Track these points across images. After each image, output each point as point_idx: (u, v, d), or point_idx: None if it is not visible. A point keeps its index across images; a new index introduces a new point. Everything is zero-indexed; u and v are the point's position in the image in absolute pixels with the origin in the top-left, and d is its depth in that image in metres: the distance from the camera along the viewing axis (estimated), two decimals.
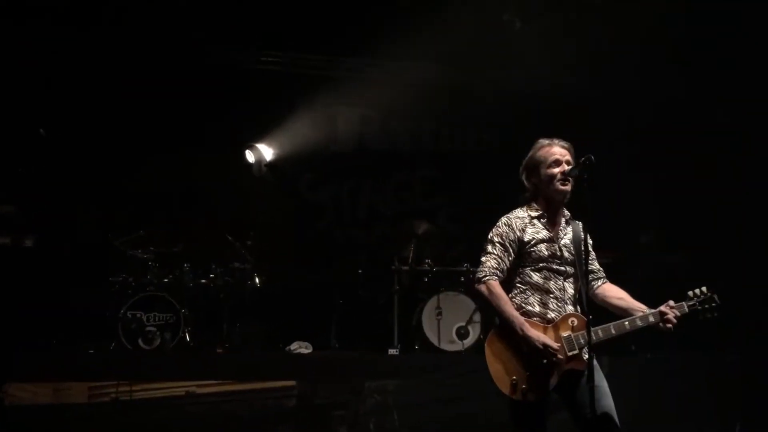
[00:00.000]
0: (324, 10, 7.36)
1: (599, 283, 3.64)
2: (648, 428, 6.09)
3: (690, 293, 3.48)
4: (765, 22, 6.66)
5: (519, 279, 3.54)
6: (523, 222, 3.57)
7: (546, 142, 3.62)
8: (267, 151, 8.55)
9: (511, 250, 3.52)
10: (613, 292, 3.62)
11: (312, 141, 8.56)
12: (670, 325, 3.40)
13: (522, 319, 3.39)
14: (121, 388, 5.77)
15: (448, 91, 8.33)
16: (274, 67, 8.20)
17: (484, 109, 8.28)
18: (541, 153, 3.59)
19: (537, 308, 3.47)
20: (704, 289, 3.48)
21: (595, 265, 3.66)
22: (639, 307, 3.49)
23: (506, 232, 3.55)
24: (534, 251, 3.51)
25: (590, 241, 3.57)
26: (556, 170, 3.54)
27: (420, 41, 7.38)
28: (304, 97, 8.23)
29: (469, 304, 7.04)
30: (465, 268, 7.22)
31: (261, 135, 8.56)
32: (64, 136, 7.55)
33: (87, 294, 6.90)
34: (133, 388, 5.80)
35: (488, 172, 8.24)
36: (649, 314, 3.42)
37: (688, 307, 3.45)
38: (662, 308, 3.44)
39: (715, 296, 3.46)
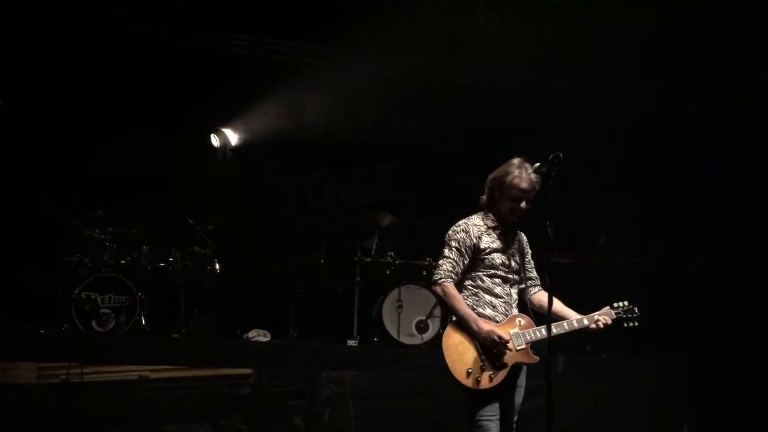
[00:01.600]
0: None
1: (535, 290, 3.99)
2: (598, 428, 6.21)
3: (615, 304, 3.89)
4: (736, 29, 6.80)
5: (471, 282, 3.83)
6: (479, 230, 3.83)
7: (517, 170, 3.76)
8: (232, 136, 8.45)
9: (466, 255, 3.81)
10: (548, 299, 3.86)
11: (279, 128, 8.48)
12: (595, 327, 3.83)
13: (475, 315, 3.73)
14: (72, 370, 5.66)
15: (418, 84, 8.32)
16: (243, 51, 8.07)
17: (453, 104, 8.29)
18: (509, 180, 3.76)
19: (487, 310, 3.78)
20: (626, 302, 3.91)
21: (533, 273, 3.99)
22: (571, 313, 3.86)
23: (463, 239, 3.82)
24: (488, 258, 3.80)
25: (529, 251, 3.98)
26: (514, 205, 3.79)
27: (391, 33, 7.36)
28: (272, 83, 8.14)
29: (430, 298, 7.04)
30: (427, 262, 7.24)
31: (227, 119, 8.45)
32: (26, 109, 7.34)
33: (40, 272, 6.75)
34: (85, 370, 5.70)
35: (453, 167, 8.28)
36: (583, 318, 3.82)
37: (615, 314, 3.86)
38: (595, 314, 3.84)
39: (635, 309, 3.88)
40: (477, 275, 3.81)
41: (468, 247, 3.79)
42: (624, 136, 8.17)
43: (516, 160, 3.79)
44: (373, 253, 7.42)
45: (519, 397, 3.82)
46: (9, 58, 7.18)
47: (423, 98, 8.39)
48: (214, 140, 8.38)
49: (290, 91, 8.38)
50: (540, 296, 3.95)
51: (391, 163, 8.85)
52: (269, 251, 8.07)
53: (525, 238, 3.97)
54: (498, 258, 3.81)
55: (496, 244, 3.82)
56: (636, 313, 3.87)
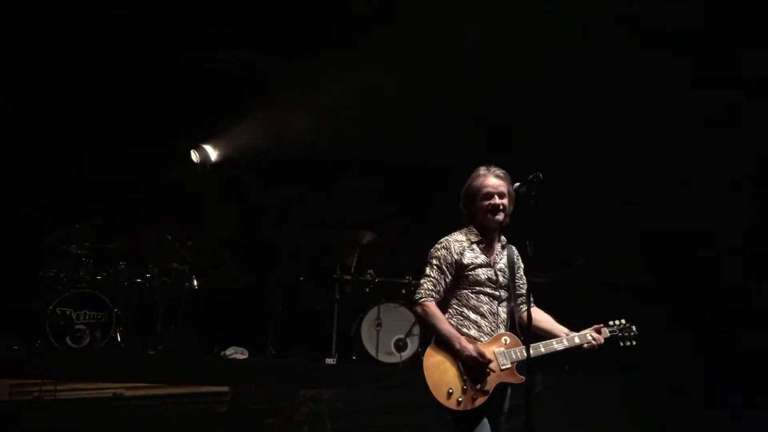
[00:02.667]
0: (280, 12, 7.29)
1: (525, 308, 3.76)
2: None
3: (611, 322, 3.75)
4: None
5: (455, 300, 3.70)
6: (461, 246, 3.73)
7: (482, 171, 3.76)
8: (212, 152, 8.42)
9: (447, 273, 3.70)
10: (540, 315, 3.83)
11: (260, 144, 8.47)
12: (588, 346, 3.68)
13: (458, 334, 3.60)
14: (45, 387, 5.58)
15: (400, 102, 8.35)
16: (225, 67, 8.07)
17: (436, 122, 8.33)
18: (476, 183, 3.74)
19: (472, 331, 3.64)
20: (623, 320, 3.76)
21: (523, 290, 3.81)
22: (563, 330, 3.73)
23: (444, 256, 3.72)
24: (471, 275, 3.68)
25: (521, 265, 3.82)
26: (487, 203, 3.71)
27: (375, 50, 7.40)
28: (255, 99, 8.14)
29: (409, 316, 7.03)
30: (407, 281, 7.24)
31: (209, 135, 8.43)
32: (3, 123, 7.27)
33: (15, 287, 6.64)
34: (58, 387, 5.62)
35: (435, 185, 8.29)
36: (574, 336, 3.68)
37: (609, 333, 3.72)
38: (587, 331, 3.69)
39: (634, 327, 3.74)
40: (462, 293, 3.67)
41: (449, 264, 3.67)
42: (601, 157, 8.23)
43: (480, 167, 3.76)
44: (352, 270, 7.41)
45: (501, 421, 3.68)
46: None
47: (406, 115, 8.43)
48: (194, 156, 8.34)
49: (272, 107, 8.38)
50: (532, 313, 3.72)
51: (373, 179, 8.86)
52: (248, 268, 8.02)
53: (516, 252, 3.81)
54: (483, 273, 3.67)
55: (481, 259, 3.69)
56: (634, 331, 3.72)
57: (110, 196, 7.57)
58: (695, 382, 6.77)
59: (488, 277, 3.69)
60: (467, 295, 3.68)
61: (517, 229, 3.74)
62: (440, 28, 7.12)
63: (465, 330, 3.63)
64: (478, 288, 3.67)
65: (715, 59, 7.02)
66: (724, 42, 6.92)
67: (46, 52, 7.32)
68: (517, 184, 3.64)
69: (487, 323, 3.65)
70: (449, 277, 3.69)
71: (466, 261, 3.68)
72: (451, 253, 3.70)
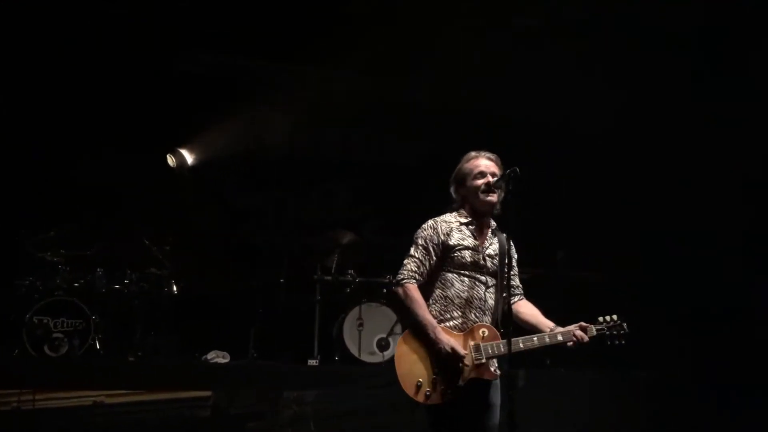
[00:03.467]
0: (257, 13, 7.26)
1: (515, 299, 3.70)
2: None
3: (600, 318, 3.58)
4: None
5: (440, 284, 3.56)
6: (449, 226, 3.60)
7: (473, 154, 3.69)
8: (189, 156, 8.36)
9: (433, 254, 3.55)
10: (527, 309, 3.71)
11: (238, 147, 8.43)
12: (571, 344, 3.51)
13: (435, 322, 3.43)
14: (23, 397, 5.49)
15: (378, 102, 8.36)
16: (201, 69, 8.02)
17: (414, 121, 8.34)
18: (468, 165, 3.66)
19: (456, 316, 3.51)
20: (614, 316, 3.58)
21: (515, 281, 3.72)
22: (549, 324, 3.58)
23: (430, 236, 3.57)
24: (457, 256, 3.53)
25: (515, 255, 3.68)
26: (480, 182, 3.60)
27: (352, 50, 7.40)
28: (233, 101, 8.09)
29: (391, 315, 7.05)
30: (387, 280, 7.24)
31: (186, 138, 8.37)
32: None
33: None
34: (37, 396, 5.53)
35: (414, 185, 8.30)
36: (558, 332, 3.51)
37: (597, 330, 3.55)
38: (572, 328, 3.53)
39: (624, 324, 3.56)
40: (447, 277, 3.52)
41: (436, 244, 3.52)
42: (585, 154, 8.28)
43: (471, 151, 3.69)
44: (333, 271, 7.39)
45: (494, 417, 3.50)
46: None
47: (383, 115, 8.43)
48: (170, 160, 8.27)
49: (250, 109, 8.34)
50: (520, 306, 3.67)
51: (352, 180, 8.86)
52: (228, 271, 7.97)
53: (509, 242, 3.60)
54: (469, 256, 3.52)
55: (468, 242, 3.55)
56: (624, 329, 3.54)
57: (85, 201, 7.47)
58: (683, 378, 6.84)
59: (475, 260, 3.54)
60: (452, 279, 3.52)
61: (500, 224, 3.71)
62: (415, 27, 7.14)
63: (448, 315, 3.49)
64: (463, 271, 3.52)
65: (715, 58, 7.09)
66: (723, 42, 7.00)
67: (19, 57, 7.22)
68: (495, 179, 3.58)
69: (473, 309, 3.51)
70: (434, 258, 3.53)
71: (452, 242, 3.54)
72: (437, 233, 3.56)
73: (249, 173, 8.53)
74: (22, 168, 7.41)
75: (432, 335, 3.39)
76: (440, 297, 3.55)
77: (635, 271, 7.69)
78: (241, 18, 7.30)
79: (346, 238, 7.57)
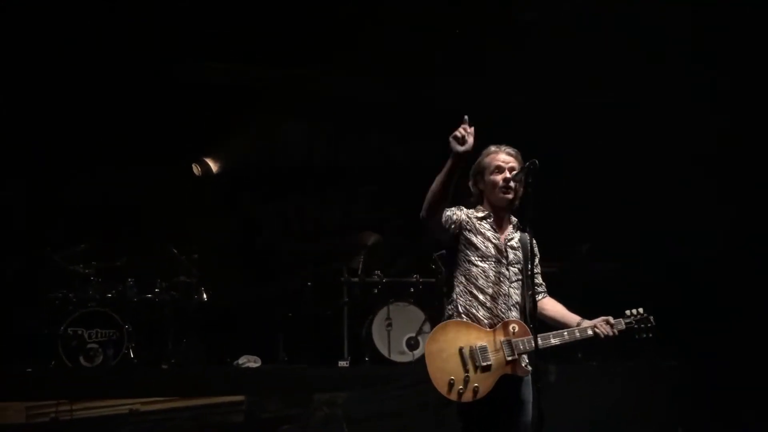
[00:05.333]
0: (272, 22, 7.31)
1: (540, 297, 3.66)
2: None
3: (627, 312, 3.58)
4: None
5: (464, 279, 3.51)
6: (471, 213, 3.57)
7: (493, 148, 3.65)
8: (213, 165, 8.46)
9: (461, 214, 3.52)
10: (552, 305, 3.70)
11: (258, 154, 8.50)
12: (603, 337, 3.51)
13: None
14: (60, 407, 5.59)
15: (394, 102, 8.37)
16: (222, 80, 8.10)
17: (430, 122, 8.33)
18: (487, 159, 3.62)
19: (481, 311, 3.46)
20: (641, 309, 3.59)
21: (538, 279, 3.69)
22: (576, 319, 3.57)
23: (455, 210, 3.55)
24: (480, 243, 3.50)
25: (537, 253, 3.64)
26: (499, 177, 3.57)
27: (365, 54, 7.43)
28: (251, 110, 8.16)
29: (419, 315, 7.06)
30: (414, 279, 7.26)
31: (208, 148, 8.46)
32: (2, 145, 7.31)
33: (25, 310, 6.67)
34: (74, 406, 5.62)
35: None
36: (587, 327, 3.51)
37: (625, 324, 3.56)
38: (600, 322, 3.52)
39: (651, 318, 3.57)
40: (471, 272, 3.48)
41: (461, 216, 3.49)
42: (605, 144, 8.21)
43: (491, 146, 3.63)
44: (359, 272, 7.42)
45: (527, 414, 3.46)
46: None
47: (400, 116, 8.44)
48: (195, 169, 8.37)
49: (269, 117, 8.41)
50: (544, 303, 3.65)
51: (372, 183, 8.88)
52: (256, 276, 8.04)
53: (532, 239, 3.56)
54: (493, 248, 3.49)
55: (490, 234, 3.53)
56: (651, 322, 3.54)
57: (113, 213, 7.59)
58: (709, 365, 6.77)
59: (498, 251, 3.51)
60: (476, 274, 3.48)
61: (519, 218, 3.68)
62: (431, 33, 7.15)
63: (474, 311, 3.45)
64: (487, 264, 3.48)
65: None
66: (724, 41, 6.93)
67: (45, 69, 7.34)
68: (514, 172, 3.54)
69: (497, 304, 3.46)
70: (461, 218, 3.49)
71: (476, 226, 3.52)
72: (462, 212, 3.55)
73: (270, 179, 8.59)
74: (50, 182, 7.54)
75: (453, 159, 3.30)
76: (465, 292, 3.50)
77: (659, 262, 7.61)
78: (256, 26, 7.34)
79: (372, 239, 7.60)
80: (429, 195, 3.39)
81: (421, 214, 3.44)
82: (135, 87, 7.68)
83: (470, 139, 3.31)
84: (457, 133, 3.30)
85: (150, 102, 7.76)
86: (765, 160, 7.06)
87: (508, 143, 3.72)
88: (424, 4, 6.99)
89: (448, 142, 3.33)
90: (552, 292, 3.80)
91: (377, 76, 8.04)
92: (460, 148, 3.30)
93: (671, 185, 7.63)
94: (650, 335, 3.56)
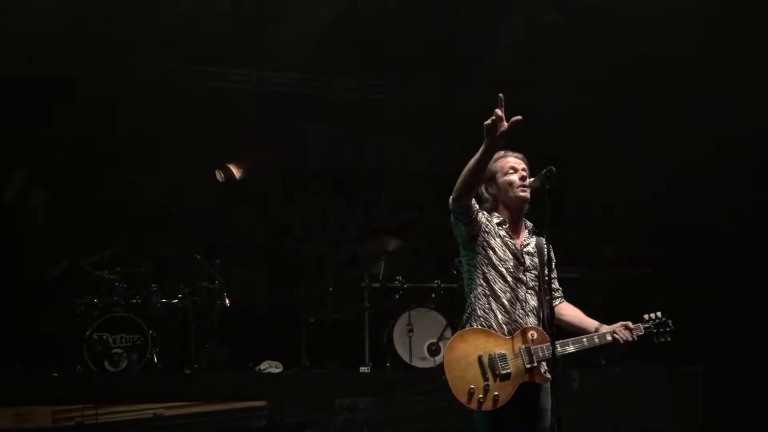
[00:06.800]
0: (292, 28, 7.34)
1: (557, 302, 3.63)
2: None
3: (645, 316, 3.55)
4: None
5: (483, 283, 3.48)
6: (489, 217, 3.55)
7: (501, 153, 3.60)
8: (236, 170, 8.53)
9: (481, 215, 3.49)
10: (569, 311, 3.65)
11: (282, 159, 8.56)
12: (622, 343, 3.47)
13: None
14: (86, 412, 5.67)
15: (416, 107, 8.37)
16: (244, 85, 8.16)
17: (451, 126, 8.33)
18: (497, 164, 3.59)
19: (500, 316, 3.44)
20: (659, 313, 3.55)
21: (555, 284, 3.66)
22: (594, 324, 3.53)
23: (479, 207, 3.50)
24: (498, 246, 3.48)
25: (553, 258, 3.61)
26: (515, 176, 3.55)
27: (388, 59, 7.45)
28: (274, 115, 8.21)
29: (440, 320, 7.05)
30: (436, 285, 7.25)
31: (231, 154, 8.53)
32: (23, 154, 7.43)
33: (51, 316, 6.77)
34: (99, 411, 5.70)
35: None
36: (606, 332, 3.47)
37: (644, 329, 3.52)
38: (619, 327, 3.49)
39: (670, 321, 3.53)
40: (488, 276, 3.46)
41: (482, 220, 3.46)
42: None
43: (497, 152, 3.55)
44: (380, 278, 7.43)
45: (545, 421, 3.44)
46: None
47: (422, 120, 8.45)
48: (218, 175, 8.45)
49: (292, 122, 8.46)
50: (562, 309, 3.61)
51: (394, 187, 8.89)
52: (277, 282, 8.09)
53: (547, 245, 3.51)
54: (510, 253, 3.48)
55: (507, 239, 3.51)
56: (670, 326, 3.51)
57: (137, 220, 7.68)
58: (733, 370, 6.68)
59: (516, 257, 3.49)
60: (494, 278, 3.45)
61: (536, 226, 3.64)
62: (454, 32, 7.14)
63: (491, 315, 3.43)
64: (505, 269, 3.46)
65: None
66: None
67: (70, 78, 7.43)
68: (530, 179, 3.51)
69: (516, 310, 3.44)
70: (482, 220, 3.47)
71: (494, 229, 3.50)
72: (483, 214, 3.52)
73: (293, 184, 8.64)
74: (76, 190, 7.65)
75: (487, 143, 3.23)
76: (482, 295, 3.47)
77: (684, 266, 7.53)
78: (282, 33, 7.38)
79: (392, 244, 7.61)
80: (460, 179, 3.36)
81: (450, 199, 3.43)
82: (160, 92, 7.76)
83: (504, 124, 3.25)
84: (494, 117, 3.22)
85: (175, 107, 7.83)
86: None
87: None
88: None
89: (483, 129, 3.25)
90: (574, 298, 3.75)
91: (402, 78, 8.04)
92: (495, 132, 3.23)
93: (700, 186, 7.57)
94: (669, 339, 3.51)
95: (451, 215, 3.49)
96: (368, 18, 7.10)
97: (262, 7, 6.99)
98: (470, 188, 3.38)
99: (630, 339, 3.47)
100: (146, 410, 5.81)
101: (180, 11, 6.83)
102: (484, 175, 3.48)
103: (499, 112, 3.23)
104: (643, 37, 6.91)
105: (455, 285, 7.18)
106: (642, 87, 7.71)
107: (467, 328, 3.49)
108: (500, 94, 3.25)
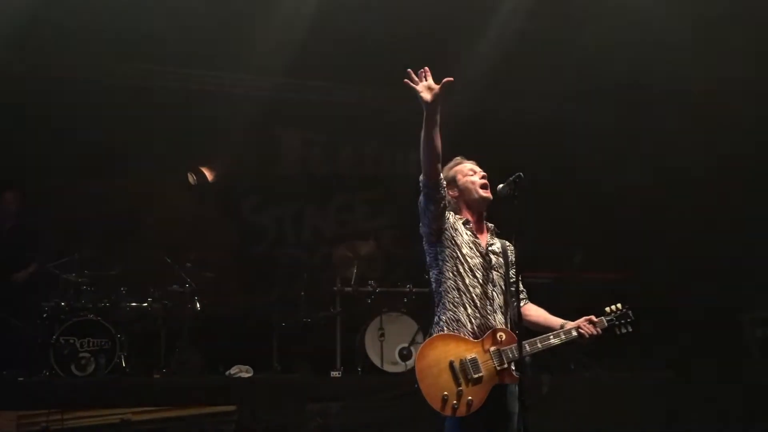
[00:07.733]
0: (266, 33, 7.32)
1: (522, 303, 3.65)
2: None
3: (607, 309, 3.60)
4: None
5: (453, 276, 3.51)
6: (454, 218, 3.60)
7: (458, 159, 3.73)
8: (209, 174, 8.47)
9: (448, 212, 3.54)
10: (534, 311, 3.71)
11: (255, 163, 8.52)
12: (588, 337, 3.53)
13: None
14: (52, 417, 5.57)
15: (390, 113, 8.39)
16: (217, 88, 8.12)
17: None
18: (457, 167, 3.70)
19: (469, 310, 3.47)
20: (619, 305, 3.61)
21: (521, 285, 3.66)
22: (559, 322, 3.59)
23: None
24: (465, 244, 3.53)
25: (513, 260, 3.64)
26: (476, 177, 3.64)
27: (362, 64, 7.46)
28: (248, 119, 8.17)
29: (412, 325, 7.07)
30: (408, 289, 7.26)
31: (203, 157, 8.47)
32: None
33: (17, 319, 6.65)
34: (65, 416, 5.60)
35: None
36: (571, 328, 3.53)
37: (607, 322, 3.57)
38: (582, 323, 3.55)
39: (630, 312, 3.58)
40: (459, 272, 3.49)
41: (449, 217, 3.52)
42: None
43: (455, 158, 3.70)
44: (353, 282, 7.43)
45: (513, 423, 3.46)
46: None
47: (396, 125, 8.46)
48: (191, 178, 8.38)
49: (266, 126, 8.43)
50: (527, 309, 3.67)
51: (367, 192, 8.90)
52: (249, 286, 8.04)
53: (509, 246, 3.62)
54: (477, 250, 3.53)
55: (473, 238, 3.57)
56: (630, 317, 3.57)
57: (107, 222, 7.58)
58: (701, 374, 6.78)
59: (481, 254, 3.54)
60: (465, 271, 3.49)
61: (505, 231, 3.69)
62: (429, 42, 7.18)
63: (462, 311, 3.45)
64: (472, 264, 3.51)
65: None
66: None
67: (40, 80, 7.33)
68: (500, 185, 3.54)
69: (484, 305, 3.48)
70: (449, 218, 3.52)
71: (459, 229, 3.55)
72: (451, 214, 3.57)
73: (266, 189, 8.61)
74: (45, 192, 7.54)
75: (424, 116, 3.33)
76: (452, 288, 3.51)
77: (653, 269, 7.65)
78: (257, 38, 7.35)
79: (365, 249, 7.61)
80: (422, 156, 3.40)
81: (420, 180, 3.47)
82: (134, 93, 7.68)
83: (429, 80, 3.35)
84: (413, 82, 3.33)
85: (149, 110, 7.75)
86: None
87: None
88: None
89: (417, 98, 3.35)
90: (544, 304, 3.78)
91: (376, 83, 8.06)
92: (427, 96, 3.33)
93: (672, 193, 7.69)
94: (630, 329, 3.58)
95: (422, 199, 3.50)
96: (343, 23, 7.11)
97: (236, 11, 6.97)
98: (432, 160, 3.42)
99: (595, 332, 3.54)
100: (114, 415, 5.73)
101: (154, 13, 6.78)
102: (440, 154, 3.47)
103: (411, 74, 3.33)
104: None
105: (427, 290, 7.19)
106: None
107: (435, 329, 3.54)
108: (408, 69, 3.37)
